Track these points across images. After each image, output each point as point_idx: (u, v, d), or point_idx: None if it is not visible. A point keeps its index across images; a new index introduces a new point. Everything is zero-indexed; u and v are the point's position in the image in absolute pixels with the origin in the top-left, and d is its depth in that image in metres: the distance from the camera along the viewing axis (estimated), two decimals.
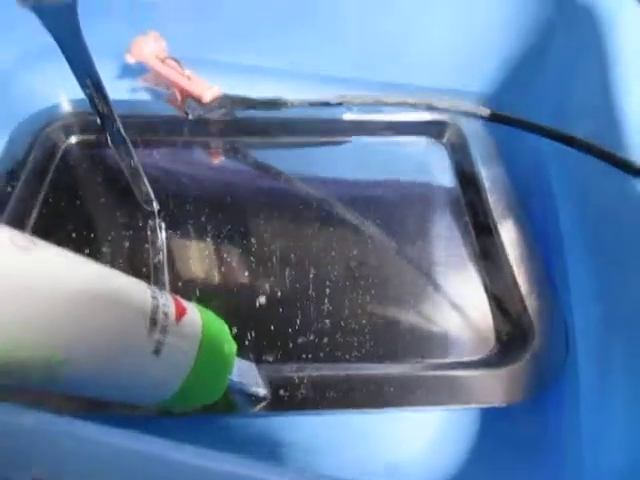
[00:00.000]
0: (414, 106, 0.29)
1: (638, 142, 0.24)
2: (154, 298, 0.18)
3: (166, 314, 0.18)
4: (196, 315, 0.20)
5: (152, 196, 0.31)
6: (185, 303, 0.20)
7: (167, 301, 0.19)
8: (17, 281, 0.15)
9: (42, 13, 0.23)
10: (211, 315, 0.21)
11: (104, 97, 0.27)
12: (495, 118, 0.26)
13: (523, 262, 0.30)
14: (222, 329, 0.21)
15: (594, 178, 0.26)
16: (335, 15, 0.37)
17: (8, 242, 0.15)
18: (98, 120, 0.28)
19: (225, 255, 0.31)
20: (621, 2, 0.30)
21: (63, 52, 0.25)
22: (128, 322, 0.17)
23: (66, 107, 0.36)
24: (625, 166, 0.22)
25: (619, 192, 0.24)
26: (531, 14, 0.34)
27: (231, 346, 0.21)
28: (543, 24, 0.33)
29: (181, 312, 0.19)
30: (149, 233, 0.31)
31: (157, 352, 0.17)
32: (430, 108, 0.28)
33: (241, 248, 0.31)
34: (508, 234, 0.31)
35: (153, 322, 0.17)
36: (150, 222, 0.32)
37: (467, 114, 0.27)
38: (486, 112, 0.26)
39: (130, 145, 0.29)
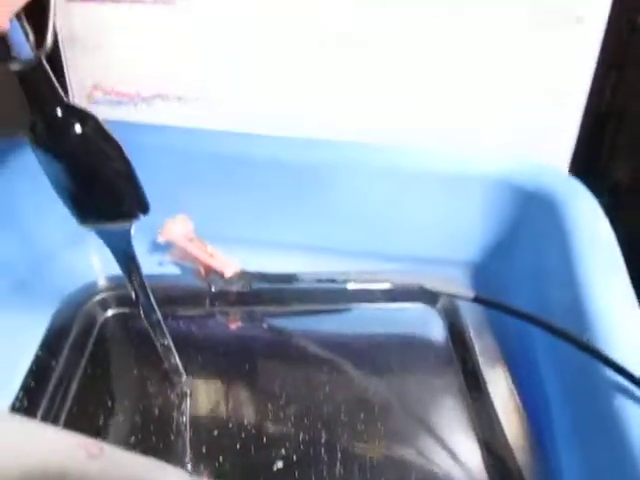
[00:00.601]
0: (407, 286, 0.34)
1: (599, 326, 0.28)
2: None
3: None
4: None
5: (181, 369, 0.35)
6: None
7: None
8: None
9: (102, 233, 0.29)
10: None
11: (140, 278, 0.31)
12: (477, 300, 0.31)
13: (512, 419, 0.33)
14: None
15: (573, 354, 0.29)
16: (339, 197, 0.43)
17: (82, 451, 0.19)
18: (133, 296, 0.32)
19: (244, 419, 0.34)
20: (577, 194, 0.36)
21: (112, 252, 0.30)
22: None
23: (102, 282, 0.41)
24: (587, 350, 0.26)
25: (591, 369, 0.28)
26: (505, 197, 0.40)
27: None
28: (516, 206, 0.39)
29: None
30: (175, 400, 0.35)
31: None
32: (421, 288, 0.33)
33: (259, 413, 0.34)
34: (498, 394, 0.34)
35: None
36: (177, 389, 0.35)
37: (454, 296, 0.32)
38: (470, 295, 0.31)
39: (162, 321, 0.34)
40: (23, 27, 0.22)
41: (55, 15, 0.23)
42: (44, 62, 0.23)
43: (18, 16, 0.22)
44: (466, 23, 0.40)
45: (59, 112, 0.24)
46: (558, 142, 0.43)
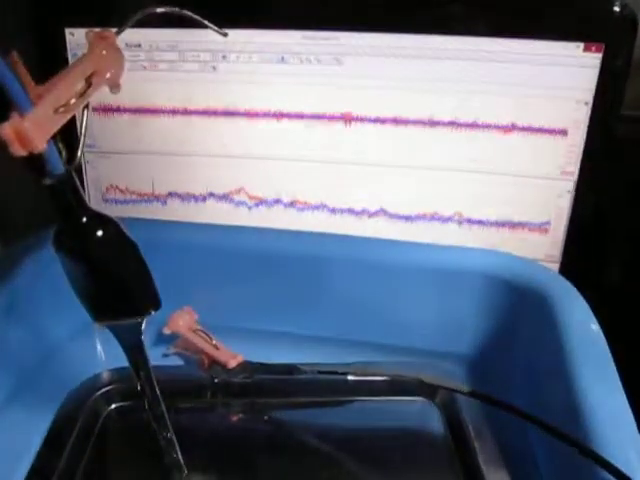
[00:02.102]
0: (407, 379, 0.35)
1: (589, 424, 0.29)
2: None
3: None
4: None
5: (182, 463, 0.35)
6: None
7: None
8: None
9: (114, 329, 0.30)
10: None
11: (147, 371, 0.32)
12: (473, 395, 0.32)
13: None
14: None
15: (569, 451, 0.30)
16: (339, 290, 0.45)
17: None
18: (139, 388, 0.33)
19: None
20: (567, 294, 0.38)
21: (122, 346, 0.32)
22: None
23: (106, 375, 0.42)
24: (580, 449, 0.27)
25: (587, 470, 0.28)
26: (498, 293, 0.41)
27: None
28: (509, 302, 0.41)
29: None
30: None
31: None
32: (420, 382, 0.34)
33: None
34: None
35: None
36: None
37: (451, 390, 0.33)
38: (465, 390, 0.32)
39: (166, 414, 0.34)
40: (57, 146, 0.25)
41: (85, 135, 0.26)
42: (74, 175, 0.25)
43: (53, 136, 0.24)
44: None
45: (84, 219, 0.26)
46: (548, 239, 0.46)
